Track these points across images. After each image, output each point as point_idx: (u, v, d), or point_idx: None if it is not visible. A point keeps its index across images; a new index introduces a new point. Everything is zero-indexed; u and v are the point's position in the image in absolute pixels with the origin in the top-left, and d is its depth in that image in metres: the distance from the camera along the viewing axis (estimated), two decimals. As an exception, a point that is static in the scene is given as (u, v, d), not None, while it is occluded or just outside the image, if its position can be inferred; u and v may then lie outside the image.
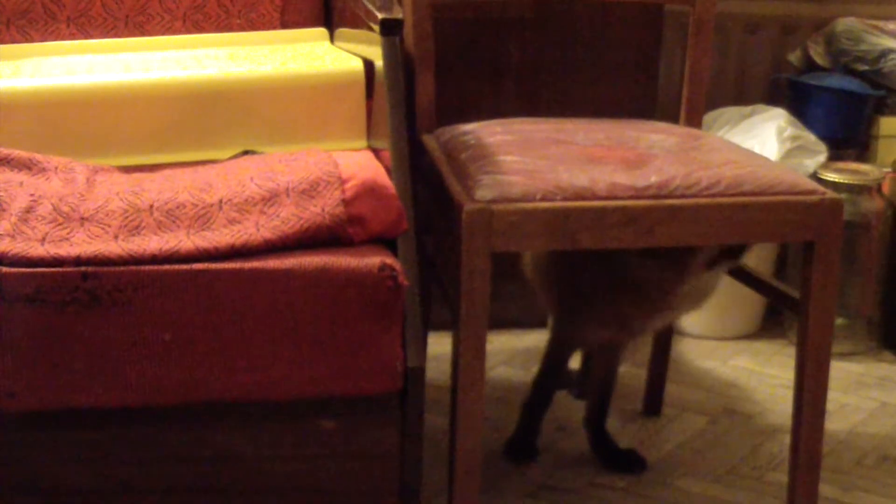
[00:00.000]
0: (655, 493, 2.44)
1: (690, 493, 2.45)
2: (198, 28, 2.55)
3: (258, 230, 1.86)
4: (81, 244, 1.82)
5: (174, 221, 1.87)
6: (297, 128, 2.29)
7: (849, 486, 2.49)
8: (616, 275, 2.30)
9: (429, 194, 2.28)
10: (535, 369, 2.55)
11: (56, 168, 2.03)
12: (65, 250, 1.80)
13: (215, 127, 2.25)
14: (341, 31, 2.53)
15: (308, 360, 1.85)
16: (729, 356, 3.10)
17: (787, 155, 3.07)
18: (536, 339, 2.94)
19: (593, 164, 2.13)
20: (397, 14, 2.07)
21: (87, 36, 2.51)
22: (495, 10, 2.95)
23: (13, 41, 2.48)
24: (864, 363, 3.11)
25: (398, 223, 1.95)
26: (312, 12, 2.61)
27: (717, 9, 2.52)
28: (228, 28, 2.56)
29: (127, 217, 1.87)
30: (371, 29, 2.15)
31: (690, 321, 3.13)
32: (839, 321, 3.05)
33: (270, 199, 1.91)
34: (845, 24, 3.40)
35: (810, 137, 3.14)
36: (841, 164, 3.14)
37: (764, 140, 3.08)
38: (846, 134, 3.32)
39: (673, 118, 2.56)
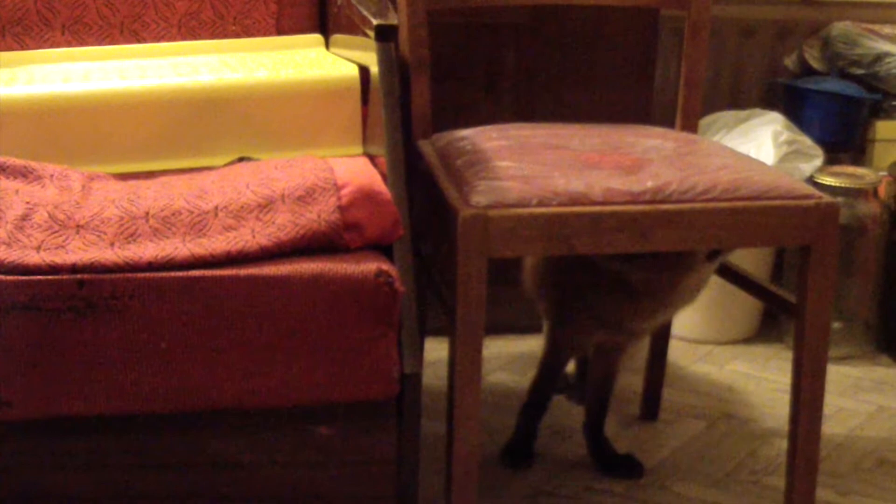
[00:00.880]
0: (653, 497, 2.44)
1: (688, 498, 2.44)
2: (193, 35, 2.55)
3: (254, 237, 1.86)
4: (77, 252, 1.82)
5: (170, 228, 1.87)
6: (293, 134, 2.29)
7: (846, 490, 2.49)
8: (610, 276, 2.30)
9: (424, 200, 2.28)
10: (531, 374, 2.55)
11: (51, 175, 2.03)
12: (61, 258, 1.80)
13: (211, 134, 2.25)
14: (337, 38, 2.53)
15: (304, 367, 1.85)
16: (726, 360, 3.10)
17: (784, 159, 3.07)
18: (533, 345, 2.94)
19: (589, 169, 2.13)
20: (392, 20, 2.07)
21: (83, 43, 2.51)
22: (490, 16, 2.95)
23: (8, 48, 2.48)
24: (861, 367, 3.11)
25: (394, 229, 1.95)
26: (308, 19, 2.61)
27: (712, 13, 2.52)
28: (224, 35, 2.56)
29: (123, 224, 1.87)
30: (366, 35, 2.15)
31: (687, 325, 3.13)
32: (836, 325, 3.05)
33: (266, 205, 1.90)
34: (841, 28, 3.40)
35: (806, 141, 3.14)
36: (837, 168, 3.14)
37: (760, 144, 3.09)
38: (842, 138, 3.32)
39: (669, 123, 2.56)
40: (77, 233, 1.86)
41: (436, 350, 2.55)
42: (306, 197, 1.91)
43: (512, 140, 2.29)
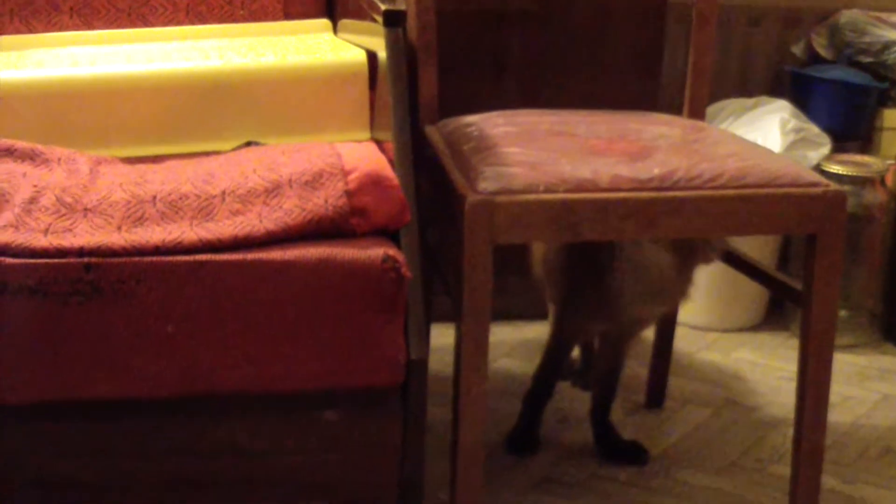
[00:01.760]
0: (658, 485, 2.45)
1: (693, 486, 2.45)
2: (201, 19, 2.55)
3: (261, 221, 1.86)
4: (84, 235, 1.82)
5: (177, 213, 1.87)
6: (300, 119, 2.28)
7: (851, 479, 2.49)
8: (619, 262, 2.30)
9: (431, 186, 2.27)
10: (537, 361, 2.55)
11: (59, 159, 2.03)
12: (68, 241, 1.80)
13: (218, 118, 2.25)
14: (344, 23, 2.53)
15: (310, 352, 1.85)
16: (732, 348, 3.10)
17: (791, 147, 3.07)
18: (539, 331, 2.94)
19: (596, 156, 2.13)
20: (401, 5, 2.07)
21: (91, 27, 2.51)
22: (497, 3, 2.95)
23: (17, 32, 2.48)
24: (867, 355, 3.11)
25: (401, 215, 1.95)
26: (315, 3, 2.61)
27: (720, 1, 2.51)
28: (231, 19, 2.56)
29: (130, 208, 1.87)
30: (374, 20, 2.15)
31: (693, 313, 3.13)
32: (842, 313, 3.05)
33: (273, 190, 1.90)
34: (849, 15, 3.40)
35: (814, 129, 3.14)
36: (844, 157, 3.14)
37: (767, 132, 3.08)
38: (849, 126, 3.32)
39: (676, 110, 2.56)
40: (84, 216, 1.86)
41: (442, 336, 2.55)
42: (313, 182, 1.91)
43: (519, 126, 2.29)
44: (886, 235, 3.13)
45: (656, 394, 2.77)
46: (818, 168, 3.04)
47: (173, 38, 2.49)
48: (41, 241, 1.79)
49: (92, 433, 1.86)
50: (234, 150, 2.18)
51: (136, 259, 1.80)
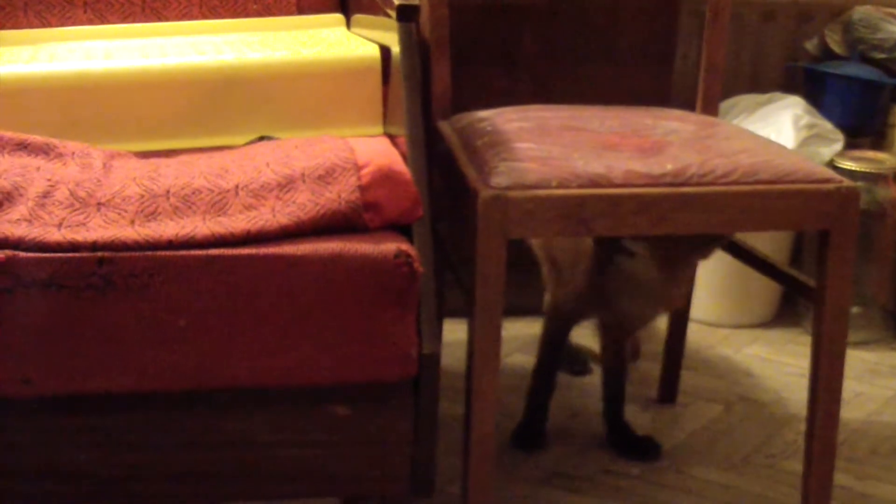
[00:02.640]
0: (669, 480, 2.45)
1: (704, 481, 2.45)
2: (214, 13, 2.55)
3: (274, 216, 1.86)
4: (98, 229, 1.82)
5: (190, 207, 1.87)
6: (314, 114, 2.28)
7: (863, 475, 2.49)
8: (611, 266, 2.31)
9: (444, 181, 2.28)
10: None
11: (73, 153, 2.04)
12: (81, 235, 1.80)
13: (231, 113, 2.25)
14: (357, 17, 2.53)
15: (322, 347, 1.85)
16: (744, 344, 3.10)
17: (803, 143, 3.07)
18: (551, 327, 2.94)
19: (609, 151, 2.13)
20: (414, 0, 2.07)
21: (104, 21, 2.51)
22: (510, -2, 2.96)
23: (30, 26, 2.49)
24: (879, 352, 3.10)
25: (414, 209, 1.95)
26: (329, -2, 2.61)
27: (733, -4, 2.52)
28: (245, 14, 2.56)
29: (143, 202, 1.87)
30: (387, 15, 2.15)
31: (705, 309, 3.13)
32: (854, 310, 3.04)
33: (286, 184, 1.90)
34: (862, 11, 3.39)
35: (826, 126, 3.13)
36: (857, 153, 3.13)
37: (780, 128, 3.08)
38: (862, 122, 3.31)
39: (689, 106, 2.56)
40: (98, 210, 1.86)
41: (454, 331, 2.55)
42: (326, 176, 1.91)
43: (532, 121, 2.29)
44: (899, 232, 3.14)
45: (668, 389, 2.77)
46: (831, 164, 3.03)
47: (187, 33, 2.49)
48: (55, 235, 1.80)
49: (104, 426, 1.86)
50: (247, 144, 2.19)
51: (149, 253, 1.80)
